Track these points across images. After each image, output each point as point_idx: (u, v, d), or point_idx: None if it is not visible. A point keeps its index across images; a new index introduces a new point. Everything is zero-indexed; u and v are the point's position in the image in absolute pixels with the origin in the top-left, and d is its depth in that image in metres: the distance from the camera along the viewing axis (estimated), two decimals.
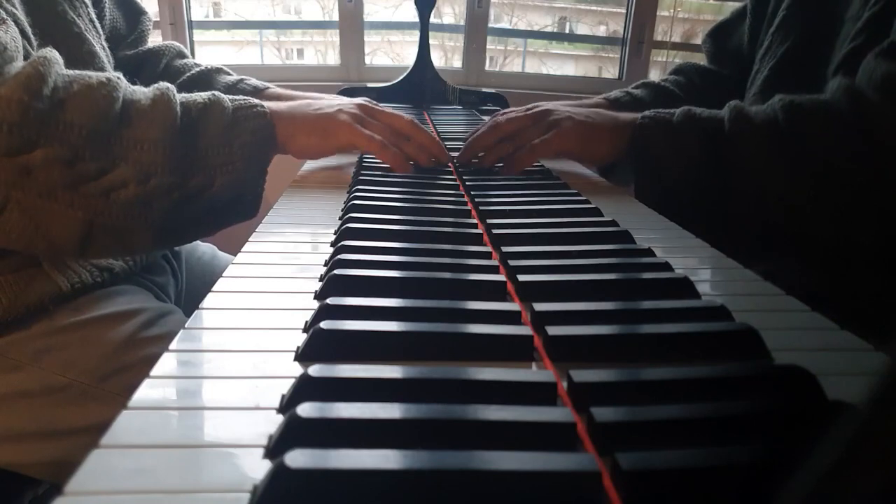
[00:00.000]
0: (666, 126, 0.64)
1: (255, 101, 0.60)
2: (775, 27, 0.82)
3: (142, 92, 0.55)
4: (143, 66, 0.88)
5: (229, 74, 0.92)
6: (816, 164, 0.58)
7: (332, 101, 0.68)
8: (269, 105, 0.61)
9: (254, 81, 0.91)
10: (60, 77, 0.51)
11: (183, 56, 0.94)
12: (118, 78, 0.54)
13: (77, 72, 0.53)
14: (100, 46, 0.73)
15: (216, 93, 0.58)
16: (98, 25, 0.75)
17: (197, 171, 0.55)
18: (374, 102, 0.73)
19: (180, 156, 0.54)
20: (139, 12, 0.90)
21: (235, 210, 0.60)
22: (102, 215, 0.52)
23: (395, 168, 0.67)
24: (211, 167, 0.55)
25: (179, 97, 0.56)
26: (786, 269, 0.48)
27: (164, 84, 0.56)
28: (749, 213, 0.61)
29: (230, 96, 0.59)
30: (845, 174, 0.57)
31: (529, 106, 0.76)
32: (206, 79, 0.90)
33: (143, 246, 0.57)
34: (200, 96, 0.57)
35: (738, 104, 0.62)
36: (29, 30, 0.61)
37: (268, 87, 0.91)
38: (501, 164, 0.73)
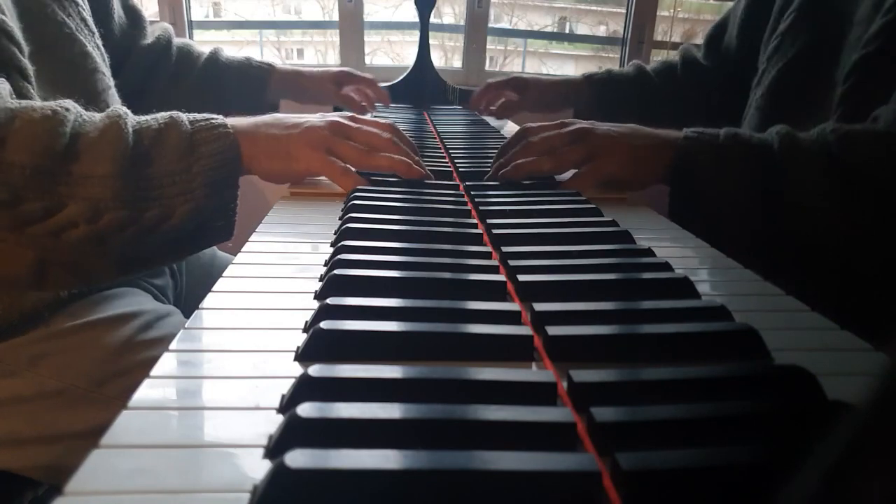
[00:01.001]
0: (711, 148, 0.60)
1: (219, 119, 0.55)
2: (786, 27, 0.81)
3: (92, 122, 0.51)
4: (143, 57, 0.91)
5: (224, 53, 0.99)
6: (873, 194, 0.56)
7: (304, 120, 0.62)
8: (234, 123, 0.57)
9: (257, 59, 0.98)
10: (1, 112, 0.48)
11: (169, 40, 0.98)
12: (66, 109, 0.50)
13: (23, 104, 0.50)
14: (93, 46, 0.72)
15: (175, 114, 0.54)
16: (91, 24, 0.74)
17: (152, 204, 0.51)
18: (353, 117, 0.65)
19: (132, 188, 0.50)
20: (139, 17, 0.93)
21: (206, 236, 0.56)
22: (55, 252, 0.49)
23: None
24: (168, 197, 0.51)
25: (133, 123, 0.52)
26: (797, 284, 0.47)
27: (118, 110, 0.53)
28: (796, 240, 0.58)
29: (192, 115, 0.55)
30: None
31: (564, 121, 0.68)
32: (215, 63, 0.96)
33: (104, 277, 0.54)
34: (157, 120, 0.53)
35: (786, 129, 0.60)
36: (19, 35, 0.60)
37: (275, 64, 0.97)
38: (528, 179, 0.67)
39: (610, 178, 0.66)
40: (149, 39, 0.93)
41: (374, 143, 0.63)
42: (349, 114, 0.67)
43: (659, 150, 0.63)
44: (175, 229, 0.52)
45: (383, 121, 0.68)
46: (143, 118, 0.53)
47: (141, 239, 0.52)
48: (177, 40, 0.99)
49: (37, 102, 0.50)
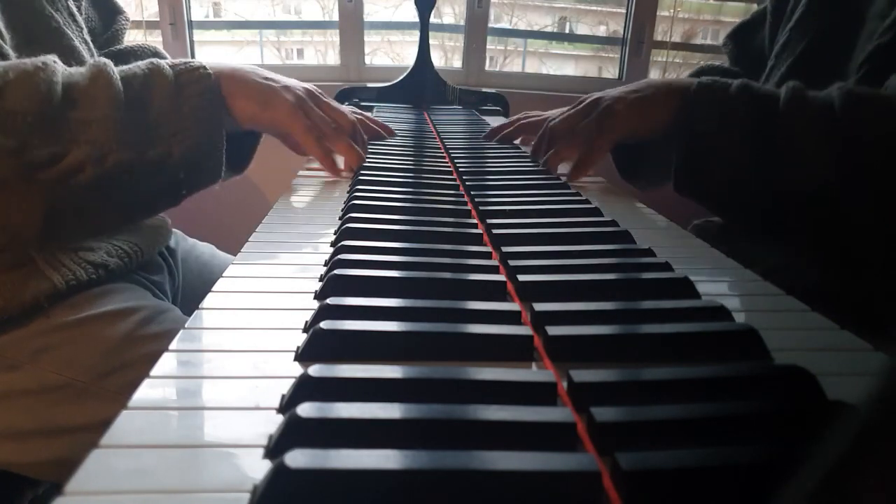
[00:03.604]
0: (721, 95, 0.60)
1: (197, 62, 0.58)
2: (794, 23, 0.81)
3: (79, 73, 0.53)
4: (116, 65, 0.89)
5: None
6: (868, 154, 0.55)
7: (282, 78, 0.66)
8: (213, 65, 0.59)
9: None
10: None
11: (157, 55, 0.95)
12: (54, 62, 0.52)
13: (10, 61, 0.51)
14: (80, 40, 0.73)
15: (154, 60, 0.57)
16: (79, 19, 0.75)
17: (152, 143, 0.53)
18: (322, 93, 0.71)
19: (132, 129, 0.52)
20: (116, 11, 0.91)
21: (200, 175, 0.59)
22: (64, 200, 0.51)
23: (322, 165, 0.68)
24: (165, 136, 0.54)
25: (118, 71, 0.54)
26: (790, 269, 0.46)
27: (100, 60, 0.54)
28: (792, 192, 0.58)
29: (170, 60, 0.57)
30: None
31: (578, 100, 0.73)
32: None
33: (111, 224, 0.57)
34: (139, 66, 0.55)
35: (798, 85, 0.59)
36: (1, 25, 0.61)
37: None
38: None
39: (620, 136, 0.68)
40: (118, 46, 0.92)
41: (340, 122, 0.68)
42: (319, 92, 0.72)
43: (667, 96, 0.64)
44: (175, 167, 0.55)
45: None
46: (124, 67, 0.56)
47: (145, 179, 0.54)
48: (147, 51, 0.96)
49: (24, 59, 0.52)
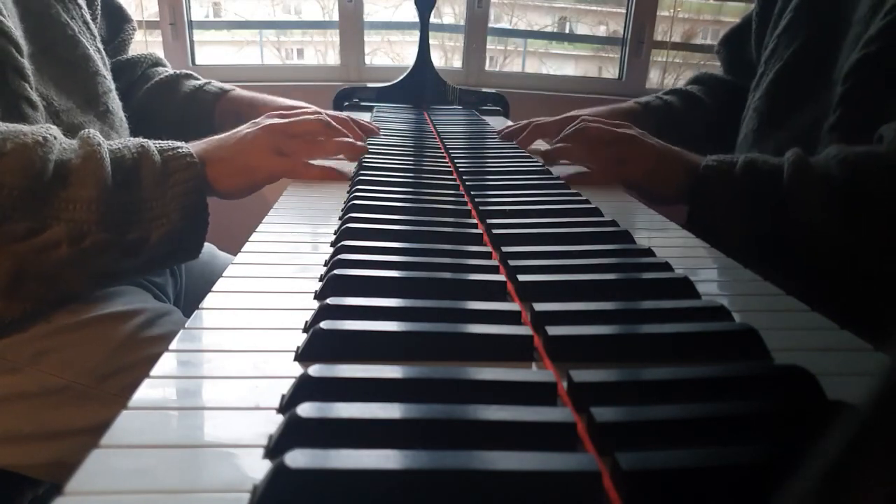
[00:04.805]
0: (726, 177, 0.63)
1: (185, 149, 0.58)
2: (781, 29, 0.81)
3: (72, 149, 0.53)
4: (121, 75, 0.90)
5: (196, 79, 0.95)
6: (877, 216, 0.56)
7: (243, 133, 0.65)
8: (197, 149, 0.60)
9: (217, 84, 0.94)
10: None
11: (159, 64, 0.97)
12: (54, 137, 0.52)
13: (10, 127, 0.51)
14: (94, 49, 0.73)
15: (144, 143, 0.57)
16: (93, 28, 0.75)
17: (133, 227, 0.54)
18: (279, 114, 0.71)
19: (115, 212, 0.53)
20: (124, 20, 0.92)
21: (174, 257, 0.60)
22: (34, 267, 0.51)
23: (330, 179, 0.69)
24: (146, 221, 0.55)
25: (108, 150, 0.54)
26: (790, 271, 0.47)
27: (93, 137, 0.54)
28: (804, 261, 0.60)
29: (159, 143, 0.58)
30: None
31: (620, 123, 0.75)
32: (172, 84, 0.93)
33: (77, 291, 0.57)
34: (129, 148, 0.56)
35: (799, 156, 0.61)
36: (19, 35, 0.61)
37: (233, 90, 0.93)
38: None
39: (630, 183, 0.72)
40: (125, 55, 0.93)
41: (313, 131, 0.69)
42: (275, 112, 0.73)
43: (681, 173, 0.67)
44: (151, 250, 0.56)
45: (309, 107, 0.75)
46: (114, 146, 0.56)
47: (120, 259, 0.55)
48: (153, 63, 0.97)
49: (25, 126, 0.52)
